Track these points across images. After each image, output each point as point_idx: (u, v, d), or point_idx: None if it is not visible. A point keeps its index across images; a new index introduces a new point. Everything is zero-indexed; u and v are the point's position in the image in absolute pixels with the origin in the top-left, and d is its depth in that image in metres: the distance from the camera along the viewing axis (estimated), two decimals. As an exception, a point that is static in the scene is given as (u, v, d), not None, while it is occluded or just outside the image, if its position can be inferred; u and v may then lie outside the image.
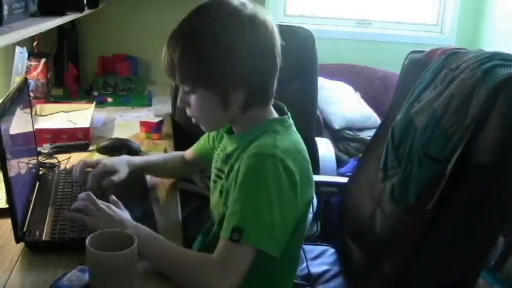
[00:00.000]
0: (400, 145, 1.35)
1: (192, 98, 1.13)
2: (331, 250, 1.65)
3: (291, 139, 1.14)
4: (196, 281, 1.02)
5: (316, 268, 1.55)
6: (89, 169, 1.36)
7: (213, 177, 1.27)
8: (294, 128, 1.19)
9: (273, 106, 1.19)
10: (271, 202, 1.03)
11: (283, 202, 1.04)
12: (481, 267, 1.22)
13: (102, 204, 1.13)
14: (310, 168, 1.15)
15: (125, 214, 1.14)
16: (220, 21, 1.07)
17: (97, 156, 1.65)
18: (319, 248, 1.68)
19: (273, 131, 1.13)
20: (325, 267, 1.57)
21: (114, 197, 1.18)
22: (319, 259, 1.59)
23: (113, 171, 1.33)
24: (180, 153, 1.54)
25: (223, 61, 1.07)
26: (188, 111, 1.18)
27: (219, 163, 1.24)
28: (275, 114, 1.18)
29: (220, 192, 1.19)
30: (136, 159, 1.45)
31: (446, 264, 1.15)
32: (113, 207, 1.14)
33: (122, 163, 1.37)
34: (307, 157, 1.15)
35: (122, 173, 1.34)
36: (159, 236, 1.11)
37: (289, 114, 1.20)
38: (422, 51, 1.52)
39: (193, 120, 1.18)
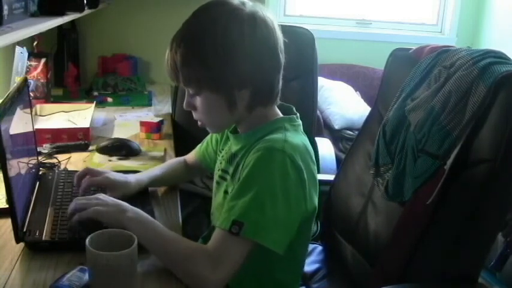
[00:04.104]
0: (392, 142, 1.35)
1: (198, 101, 1.13)
2: (319, 248, 1.64)
3: (301, 137, 1.14)
4: (187, 269, 1.01)
5: (308, 267, 1.54)
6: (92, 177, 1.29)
7: (216, 178, 1.25)
8: (302, 129, 1.18)
9: (281, 107, 1.19)
10: (276, 197, 1.02)
11: (289, 198, 1.03)
12: (483, 261, 1.21)
13: (90, 196, 1.15)
14: (316, 171, 1.14)
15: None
16: (220, 21, 1.07)
17: (97, 156, 1.65)
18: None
19: (283, 128, 1.12)
20: (317, 265, 1.56)
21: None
22: (310, 257, 1.58)
23: (109, 188, 1.27)
24: (181, 159, 1.51)
25: (226, 61, 1.06)
26: (194, 115, 1.17)
27: (223, 164, 1.23)
28: (281, 114, 1.18)
29: (225, 192, 1.17)
30: (143, 179, 1.37)
31: (449, 257, 1.15)
32: (102, 194, 1.15)
33: (125, 185, 1.30)
34: (314, 159, 1.14)
35: (116, 194, 1.23)
36: (157, 221, 1.10)
37: (298, 114, 1.19)
38: (409, 49, 1.51)
39: (199, 123, 1.17)
